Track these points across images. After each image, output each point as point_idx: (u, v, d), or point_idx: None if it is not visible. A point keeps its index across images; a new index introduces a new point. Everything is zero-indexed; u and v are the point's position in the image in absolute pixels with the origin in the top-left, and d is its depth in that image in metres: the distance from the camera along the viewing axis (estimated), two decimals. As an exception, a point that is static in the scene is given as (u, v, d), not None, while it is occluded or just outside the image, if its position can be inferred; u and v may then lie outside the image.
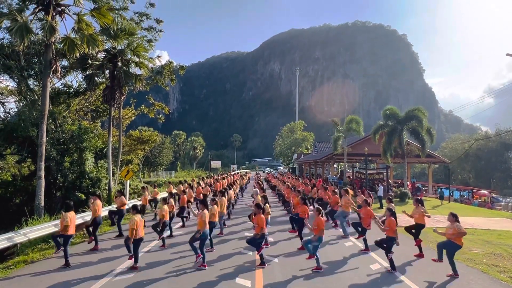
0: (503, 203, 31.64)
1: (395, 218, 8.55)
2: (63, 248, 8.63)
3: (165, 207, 10.65)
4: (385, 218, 8.83)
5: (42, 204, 14.13)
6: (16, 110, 23.31)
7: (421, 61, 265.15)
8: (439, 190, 38.65)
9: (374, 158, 33.43)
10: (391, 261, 8.15)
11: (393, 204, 10.65)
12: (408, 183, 31.43)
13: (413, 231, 10.02)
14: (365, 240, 10.20)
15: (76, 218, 9.36)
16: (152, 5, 22.70)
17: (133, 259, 8.26)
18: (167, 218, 10.61)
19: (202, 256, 8.24)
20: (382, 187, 25.17)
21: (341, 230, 12.60)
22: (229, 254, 9.58)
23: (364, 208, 10.26)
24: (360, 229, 10.45)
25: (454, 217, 8.02)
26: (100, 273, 7.94)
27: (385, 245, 8.28)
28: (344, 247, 10.71)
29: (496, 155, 55.04)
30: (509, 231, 14.40)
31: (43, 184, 14.38)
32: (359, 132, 31.90)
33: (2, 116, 22.07)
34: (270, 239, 11.26)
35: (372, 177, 31.76)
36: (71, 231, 8.67)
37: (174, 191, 18.24)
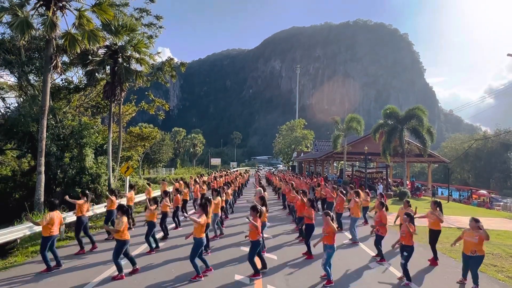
0: (502, 203, 31.69)
1: (414, 223, 7.68)
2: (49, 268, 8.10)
3: (153, 207, 10.05)
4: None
5: (42, 199, 14.14)
6: (16, 105, 23.28)
7: (422, 61, 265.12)
8: (437, 188, 38.76)
9: (373, 157, 33.45)
10: (405, 271, 7.46)
11: (411, 208, 9.74)
12: (408, 182, 31.48)
13: (430, 244, 9.25)
14: (379, 249, 9.30)
15: (62, 218, 8.90)
16: (152, 0, 22.62)
17: (121, 277, 7.58)
18: (154, 220, 9.97)
19: (197, 271, 7.51)
20: (381, 186, 25.24)
21: (347, 234, 11.76)
22: (225, 261, 9.01)
23: (379, 212, 9.34)
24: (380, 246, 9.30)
25: (476, 223, 7.18)
26: (90, 278, 7.60)
27: (406, 269, 7.44)
28: (353, 255, 9.90)
29: (495, 155, 55.03)
30: (507, 231, 14.44)
31: (43, 180, 14.39)
32: (359, 131, 31.88)
33: (3, 111, 22.04)
34: (271, 242, 11.12)
35: (372, 176, 31.86)
36: (55, 231, 8.20)
37: (169, 189, 17.88)
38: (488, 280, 7.98)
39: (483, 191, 36.34)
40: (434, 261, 9.10)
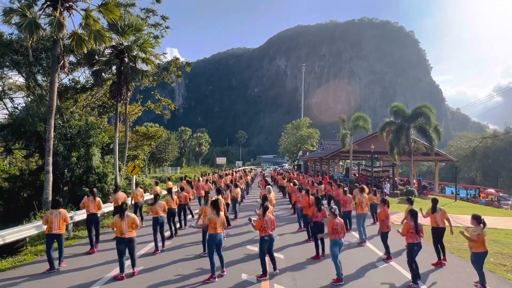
0: (510, 202, 31.28)
1: (416, 222, 7.44)
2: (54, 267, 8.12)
3: (156, 205, 10.07)
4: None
5: (50, 198, 14.23)
6: (24, 105, 23.55)
7: (428, 58, 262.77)
8: (444, 187, 38.38)
9: (380, 156, 33.25)
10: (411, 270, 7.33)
11: (412, 207, 9.32)
12: (414, 181, 31.24)
13: (439, 245, 8.94)
14: (386, 246, 9.22)
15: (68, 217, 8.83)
16: (158, 1, 22.66)
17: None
18: (162, 214, 9.99)
19: (212, 270, 7.48)
20: (388, 185, 25.06)
21: (355, 233, 11.53)
22: (232, 260, 8.88)
23: (381, 209, 9.44)
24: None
25: (475, 220, 7.12)
26: (99, 276, 7.64)
27: (411, 265, 7.31)
28: (360, 254, 9.78)
29: (504, 154, 54.28)
30: (516, 231, 14.26)
31: (51, 179, 14.51)
32: (367, 129, 31.70)
33: (11, 111, 22.29)
34: (278, 242, 11.04)
35: (378, 175, 31.67)
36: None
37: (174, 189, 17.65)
38: (498, 280, 7.88)
39: (491, 190, 35.88)
40: (442, 261, 8.88)
